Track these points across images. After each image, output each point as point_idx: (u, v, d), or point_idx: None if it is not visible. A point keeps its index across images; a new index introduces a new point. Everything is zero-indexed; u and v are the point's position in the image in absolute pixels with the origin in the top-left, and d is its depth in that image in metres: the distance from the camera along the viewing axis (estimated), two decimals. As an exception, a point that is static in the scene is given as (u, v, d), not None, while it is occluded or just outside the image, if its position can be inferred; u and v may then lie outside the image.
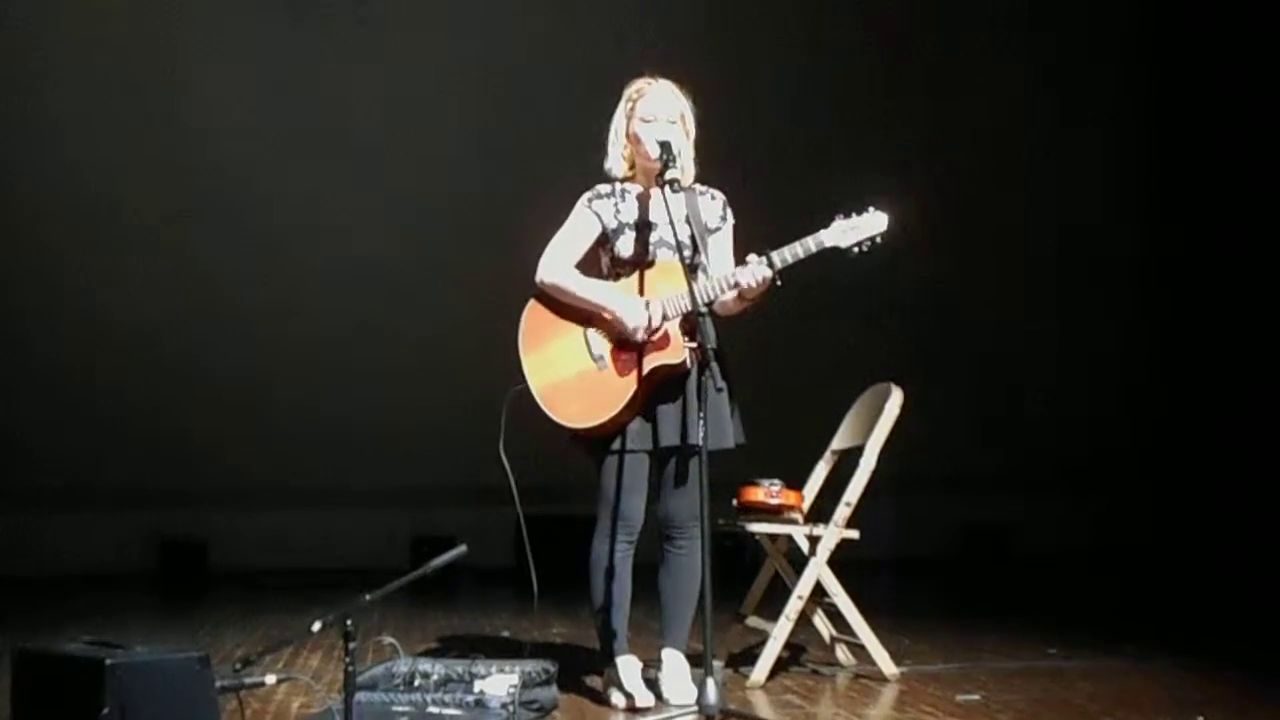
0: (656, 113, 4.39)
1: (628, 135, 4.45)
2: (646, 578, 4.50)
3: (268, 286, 9.18)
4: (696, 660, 4.23)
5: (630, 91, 4.47)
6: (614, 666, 4.47)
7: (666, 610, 4.48)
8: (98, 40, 9.15)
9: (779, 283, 4.26)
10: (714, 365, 3.98)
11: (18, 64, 9.06)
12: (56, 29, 9.09)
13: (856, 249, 4.32)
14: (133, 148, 9.11)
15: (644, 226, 4.41)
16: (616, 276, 4.44)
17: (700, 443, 4.09)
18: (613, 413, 4.29)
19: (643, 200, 4.45)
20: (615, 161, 4.49)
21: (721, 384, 4.03)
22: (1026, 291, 9.90)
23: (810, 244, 4.29)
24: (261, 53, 9.31)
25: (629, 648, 4.50)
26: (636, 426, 4.35)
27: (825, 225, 4.32)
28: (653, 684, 4.49)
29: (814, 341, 8.98)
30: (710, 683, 3.95)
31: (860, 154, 9.19)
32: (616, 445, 4.35)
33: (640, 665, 4.53)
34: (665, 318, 4.29)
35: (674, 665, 4.47)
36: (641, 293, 4.36)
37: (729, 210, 4.55)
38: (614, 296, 4.35)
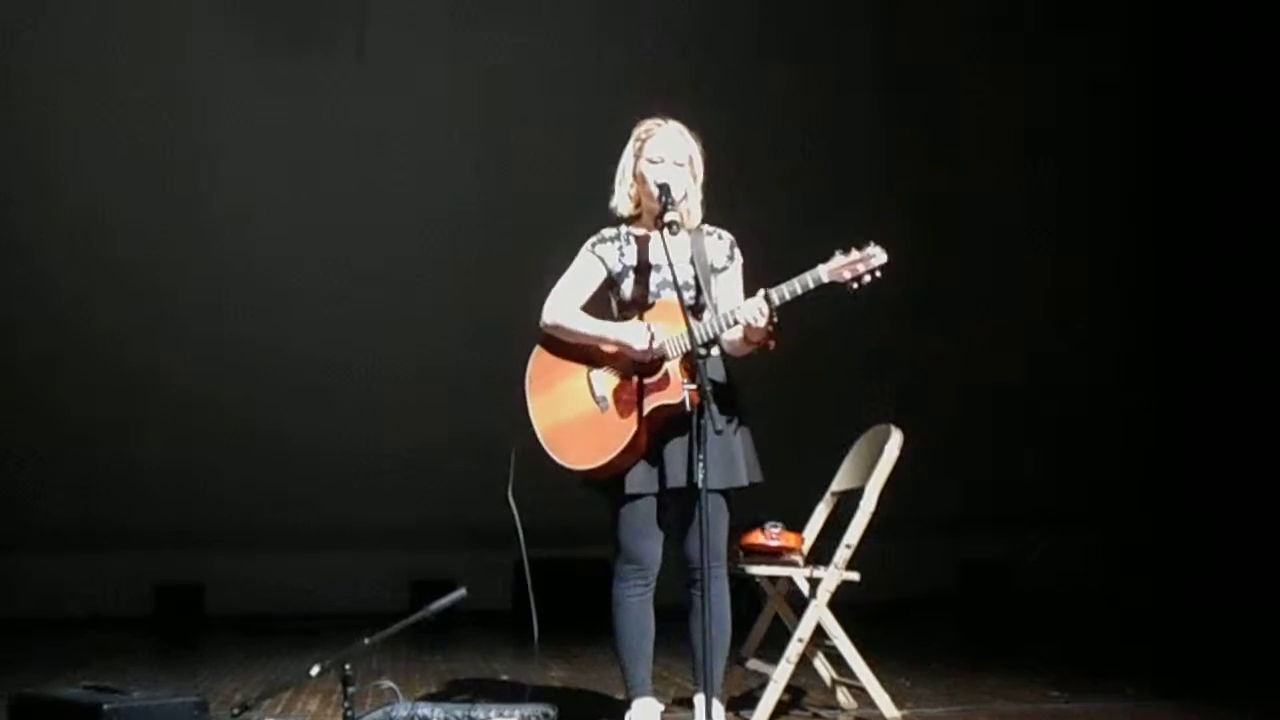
0: (664, 154, 4.39)
1: (634, 174, 4.46)
2: (673, 621, 4.47)
3: (265, 329, 9.19)
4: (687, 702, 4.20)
5: (639, 131, 4.47)
6: (631, 709, 4.45)
7: (696, 655, 4.39)
8: (102, 78, 9.21)
9: (775, 319, 4.24)
10: (712, 407, 3.97)
11: (24, 107, 9.12)
12: (62, 71, 9.15)
13: (856, 284, 4.27)
14: (131, 188, 9.15)
15: (646, 269, 4.42)
16: (625, 319, 4.43)
17: (707, 484, 4.08)
18: (613, 455, 4.28)
19: (646, 242, 4.45)
20: (621, 200, 4.49)
21: (721, 426, 4.02)
22: (1025, 329, 9.92)
23: (808, 280, 4.25)
24: (263, 89, 9.36)
25: (650, 690, 4.47)
26: (643, 469, 4.34)
27: (824, 260, 4.31)
28: None
29: (813, 383, 8.99)
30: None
31: (858, 194, 9.23)
32: (624, 489, 4.35)
33: (660, 708, 4.49)
34: (666, 358, 4.29)
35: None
36: (641, 336, 4.36)
37: (736, 250, 4.54)
38: (615, 325, 4.37)
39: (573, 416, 4.34)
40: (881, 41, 9.93)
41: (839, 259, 4.29)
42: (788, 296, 4.24)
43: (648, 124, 4.47)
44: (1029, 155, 9.95)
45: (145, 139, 9.21)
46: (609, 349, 4.35)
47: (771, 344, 4.31)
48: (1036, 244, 9.97)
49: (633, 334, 4.30)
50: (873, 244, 4.30)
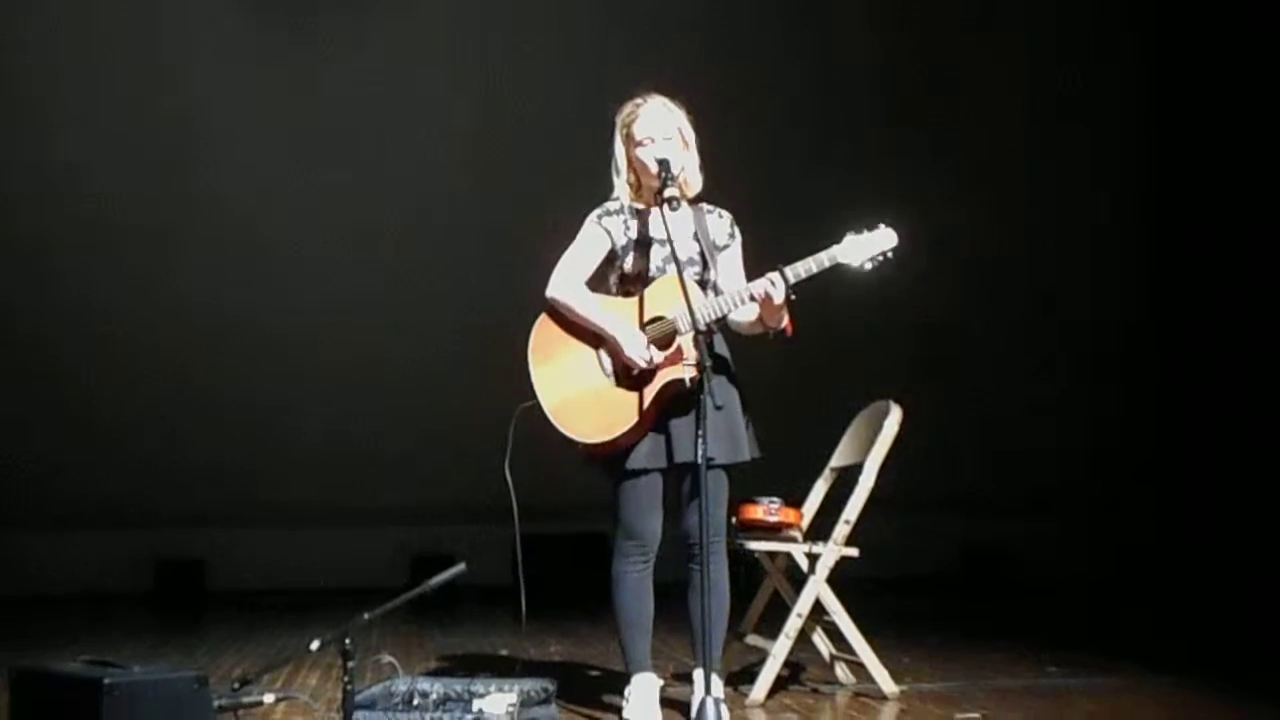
0: (651, 133, 4.37)
1: (627, 162, 4.45)
2: (672, 596, 4.48)
3: (264, 307, 9.19)
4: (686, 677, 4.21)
5: (622, 117, 4.44)
6: (631, 684, 4.46)
7: (695, 631, 4.41)
8: (102, 68, 9.20)
9: (793, 296, 4.25)
10: (711, 382, 3.97)
11: (23, 94, 9.11)
12: (60, 59, 9.14)
13: (869, 264, 4.32)
14: (132, 183, 9.14)
15: (648, 243, 4.41)
16: (627, 293, 4.42)
17: (712, 459, 4.11)
18: (625, 428, 4.29)
19: (647, 217, 4.44)
20: (622, 190, 4.47)
21: (720, 401, 4.02)
22: (1027, 310, 9.90)
23: (824, 259, 4.28)
24: (263, 88, 9.35)
25: (649, 665, 4.49)
26: (648, 445, 4.34)
27: (836, 241, 4.32)
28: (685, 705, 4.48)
29: (813, 358, 8.97)
30: (709, 703, 3.97)
31: (863, 178, 9.21)
32: (629, 465, 4.35)
33: (659, 684, 4.51)
34: (678, 331, 4.28)
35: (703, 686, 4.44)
36: (643, 311, 4.35)
37: (736, 228, 4.54)
38: (619, 326, 4.32)
39: (581, 390, 4.33)
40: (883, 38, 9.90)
41: (851, 239, 4.32)
42: (802, 275, 4.26)
43: (629, 107, 4.46)
44: (1033, 147, 9.94)
45: (146, 136, 9.19)
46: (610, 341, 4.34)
47: (789, 329, 4.31)
48: (1043, 234, 9.92)
49: (634, 348, 4.27)
50: (883, 225, 4.36)
